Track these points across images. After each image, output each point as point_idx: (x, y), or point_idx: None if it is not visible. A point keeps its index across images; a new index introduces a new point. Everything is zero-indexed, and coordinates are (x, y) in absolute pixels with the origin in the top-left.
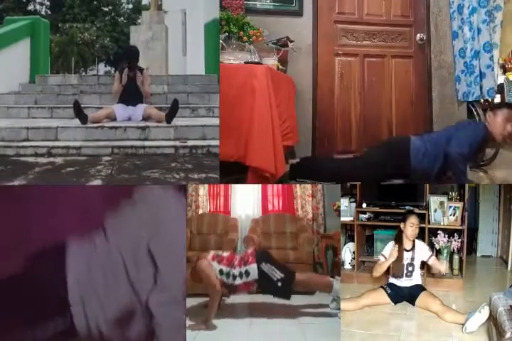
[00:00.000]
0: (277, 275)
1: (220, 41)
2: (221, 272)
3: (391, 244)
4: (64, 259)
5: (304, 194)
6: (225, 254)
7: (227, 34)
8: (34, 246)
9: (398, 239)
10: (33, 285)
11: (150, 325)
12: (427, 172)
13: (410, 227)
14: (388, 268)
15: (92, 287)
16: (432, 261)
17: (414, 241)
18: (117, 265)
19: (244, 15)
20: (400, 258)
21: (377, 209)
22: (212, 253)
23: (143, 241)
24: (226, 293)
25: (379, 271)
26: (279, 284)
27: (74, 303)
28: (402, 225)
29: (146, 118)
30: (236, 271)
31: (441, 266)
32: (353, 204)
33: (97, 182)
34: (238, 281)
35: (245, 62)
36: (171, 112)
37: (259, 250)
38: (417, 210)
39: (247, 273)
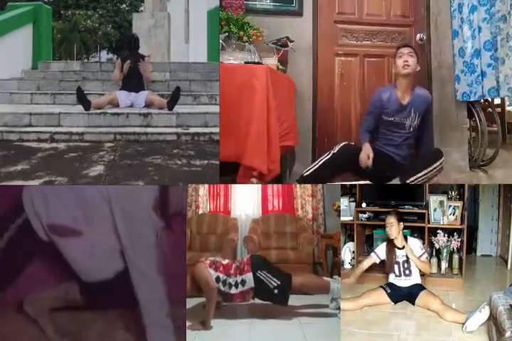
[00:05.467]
0: (274, 282)
1: (220, 41)
2: (217, 279)
3: (385, 243)
4: None
5: (304, 194)
6: (223, 262)
7: (227, 34)
8: None
9: (389, 239)
10: None
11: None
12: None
13: (388, 227)
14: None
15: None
16: (417, 260)
17: (406, 239)
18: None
19: (244, 15)
20: (391, 255)
21: (376, 208)
22: (209, 259)
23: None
24: (221, 301)
25: (357, 272)
26: (276, 291)
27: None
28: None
29: (149, 104)
30: (232, 280)
31: (422, 265)
32: (353, 204)
33: (100, 167)
34: (234, 290)
35: (245, 62)
36: (173, 99)
37: (254, 256)
38: (416, 209)
39: (243, 282)
